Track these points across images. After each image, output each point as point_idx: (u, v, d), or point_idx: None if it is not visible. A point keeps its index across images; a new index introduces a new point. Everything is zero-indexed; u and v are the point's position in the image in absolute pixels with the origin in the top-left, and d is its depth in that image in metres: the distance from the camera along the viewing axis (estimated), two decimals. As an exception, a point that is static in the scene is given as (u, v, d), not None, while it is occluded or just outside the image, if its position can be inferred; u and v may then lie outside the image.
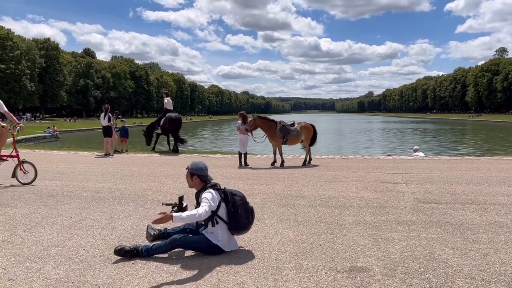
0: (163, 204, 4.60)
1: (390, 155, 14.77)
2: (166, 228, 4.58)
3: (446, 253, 4.27)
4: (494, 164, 11.15)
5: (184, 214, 3.99)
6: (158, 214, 4.07)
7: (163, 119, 15.50)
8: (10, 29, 70.53)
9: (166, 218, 3.86)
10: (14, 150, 8.25)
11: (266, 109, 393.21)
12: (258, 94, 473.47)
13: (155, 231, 4.50)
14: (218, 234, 4.25)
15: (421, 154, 14.80)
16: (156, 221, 3.85)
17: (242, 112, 12.22)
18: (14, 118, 8.59)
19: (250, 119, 11.55)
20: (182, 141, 15.80)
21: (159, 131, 15.84)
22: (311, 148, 11.84)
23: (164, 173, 9.92)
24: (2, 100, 8.45)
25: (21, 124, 8.56)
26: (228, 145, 23.85)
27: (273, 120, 11.78)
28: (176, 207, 4.35)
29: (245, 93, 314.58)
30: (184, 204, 4.37)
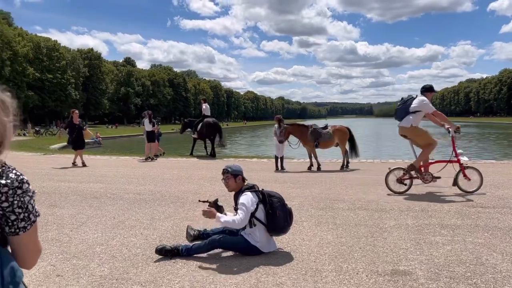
0: (199, 201, 4.72)
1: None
2: (205, 229, 4.64)
3: (494, 258, 4.08)
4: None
5: (225, 218, 4.13)
6: (205, 209, 4.23)
7: (200, 124, 15.71)
8: (56, 41, 74.08)
9: (212, 213, 4.10)
10: (454, 155, 7.48)
11: (302, 114, 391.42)
12: (294, 100, 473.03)
13: (194, 231, 4.58)
14: (256, 235, 4.26)
15: (465, 158, 14.25)
16: (204, 212, 4.12)
17: (278, 116, 12.23)
18: None
19: (282, 129, 11.52)
20: (223, 145, 16.03)
21: (195, 136, 16.07)
22: (356, 152, 11.66)
23: (202, 176, 10.07)
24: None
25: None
26: (264, 150, 23.85)
27: (303, 125, 11.74)
28: (211, 206, 4.42)
29: (281, 98, 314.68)
30: (220, 205, 4.44)
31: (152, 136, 15.08)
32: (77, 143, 12.81)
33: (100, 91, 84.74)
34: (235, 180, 4.42)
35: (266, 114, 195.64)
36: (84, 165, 12.49)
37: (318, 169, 11.17)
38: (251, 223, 4.24)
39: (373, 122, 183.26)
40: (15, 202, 1.32)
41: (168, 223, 5.61)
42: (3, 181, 1.30)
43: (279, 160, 11.45)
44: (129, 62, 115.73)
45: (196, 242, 4.36)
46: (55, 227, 5.49)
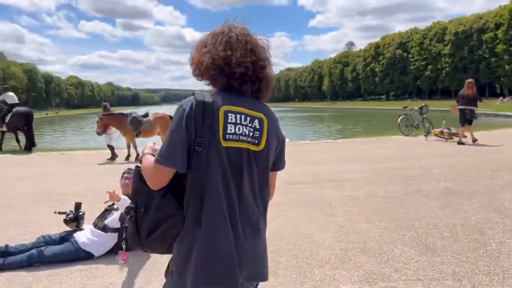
0: (55, 213, 4.11)
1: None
2: (7, 245, 3.90)
3: (310, 229, 4.60)
4: (348, 145, 12.46)
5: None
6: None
7: (9, 115, 13.69)
8: None
9: (115, 196, 3.64)
10: None
11: (134, 101, 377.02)
12: (124, 86, 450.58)
13: None
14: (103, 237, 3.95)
15: (286, 140, 15.79)
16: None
17: (104, 103, 11.46)
18: None
19: (97, 119, 10.67)
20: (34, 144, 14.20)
21: (4, 128, 13.96)
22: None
23: (15, 175, 8.77)
24: None
25: None
26: (90, 140, 21.98)
27: (122, 113, 11.02)
28: (71, 215, 3.97)
29: (109, 84, 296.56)
30: (81, 212, 4.01)
31: None
32: None
33: None
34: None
35: (94, 101, 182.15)
36: None
37: (137, 159, 10.59)
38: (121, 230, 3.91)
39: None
40: None
41: (-32, 233, 4.70)
42: None
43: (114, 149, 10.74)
44: None
45: (10, 257, 3.73)
46: None
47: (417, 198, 5.79)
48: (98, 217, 4.11)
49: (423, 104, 15.46)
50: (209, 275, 1.48)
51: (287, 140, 16.94)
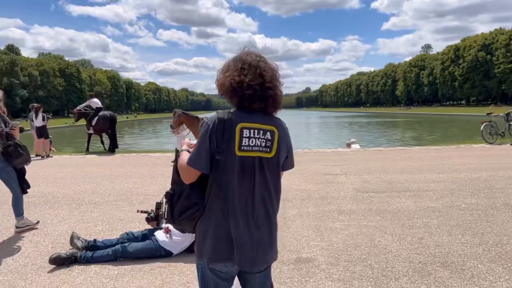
0: (137, 211, 4.41)
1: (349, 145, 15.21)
2: (95, 239, 4.27)
3: (385, 239, 4.44)
4: (424, 154, 11.85)
5: None
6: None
7: (95, 119, 14.82)
8: None
9: None
10: None
11: (207, 105, 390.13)
12: (198, 91, 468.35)
13: (82, 242, 4.17)
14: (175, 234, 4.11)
15: (357, 146, 15.40)
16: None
17: (175, 110, 12.04)
18: None
19: (176, 115, 11.35)
20: (116, 146, 15.21)
21: (91, 131, 15.13)
22: None
23: (101, 174, 9.46)
24: None
25: None
26: (168, 143, 23.21)
27: (196, 117, 11.64)
28: (152, 214, 4.16)
29: (184, 90, 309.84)
30: (162, 212, 4.16)
31: (44, 132, 13.80)
32: None
33: (-22, 81, 75.34)
34: None
35: (170, 106, 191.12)
36: None
37: None
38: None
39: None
40: None
41: (61, 227, 5.15)
42: None
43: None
44: (12, 49, 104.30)
45: (98, 251, 4.04)
46: None
47: (505, 212, 5.36)
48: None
49: (510, 110, 14.33)
50: (218, 254, 1.90)
51: (357, 147, 16.36)
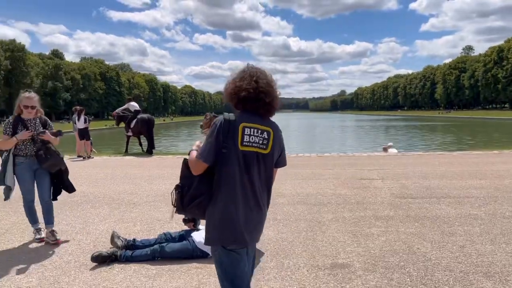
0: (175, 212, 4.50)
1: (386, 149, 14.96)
2: (134, 239, 4.39)
3: (424, 247, 4.32)
4: (465, 159, 11.44)
5: None
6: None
7: (134, 121, 15.23)
8: (-28, 30, 67.94)
9: None
10: None
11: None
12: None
13: (122, 241, 4.29)
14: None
15: (394, 150, 15.06)
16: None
17: (207, 113, 12.16)
18: None
19: (207, 118, 11.36)
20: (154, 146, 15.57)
21: (129, 133, 15.57)
22: None
23: (139, 175, 9.72)
24: None
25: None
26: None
27: None
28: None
29: (219, 93, 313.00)
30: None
31: (86, 134, 14.35)
32: None
33: (25, 85, 78.47)
34: None
35: (205, 109, 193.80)
36: None
37: None
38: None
39: (308, 116, 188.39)
40: None
41: (102, 226, 5.33)
42: None
43: None
44: (56, 54, 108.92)
45: (137, 250, 4.15)
46: (-26, 236, 5.01)
47: (553, 222, 5.10)
48: None
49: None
50: (224, 236, 2.26)
51: (395, 151, 16.00)
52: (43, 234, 4.81)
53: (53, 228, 4.78)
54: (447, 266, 3.80)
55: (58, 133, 4.88)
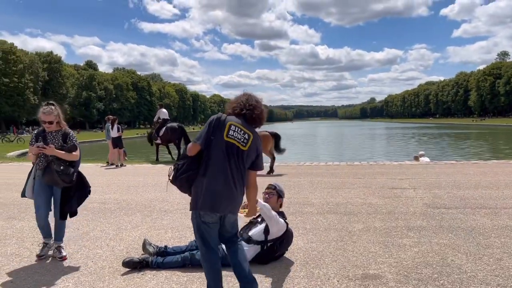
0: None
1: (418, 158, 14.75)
2: (166, 246, 4.45)
3: (459, 259, 4.20)
4: (501, 168, 11.07)
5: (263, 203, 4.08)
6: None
7: (163, 129, 15.48)
8: (13, 43, 71.20)
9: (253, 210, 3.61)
10: None
11: (269, 117, 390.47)
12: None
13: (154, 248, 4.35)
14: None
15: (426, 159, 14.72)
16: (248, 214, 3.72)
17: None
18: None
19: None
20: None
21: (158, 141, 15.83)
22: (280, 156, 12.30)
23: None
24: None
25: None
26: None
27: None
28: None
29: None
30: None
31: (119, 142, 14.75)
32: None
33: (61, 95, 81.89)
34: (277, 200, 4.41)
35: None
36: None
37: (268, 173, 11.27)
38: (264, 243, 4.18)
39: (336, 124, 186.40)
40: None
41: (135, 233, 5.45)
42: None
43: None
44: (90, 65, 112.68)
45: (168, 257, 4.22)
46: (14, 240, 5.22)
47: None
48: (243, 228, 4.38)
49: None
50: (208, 204, 3.06)
51: (427, 160, 15.69)
52: (44, 252, 4.57)
53: (61, 244, 4.61)
54: (483, 279, 3.69)
55: (72, 149, 4.57)
